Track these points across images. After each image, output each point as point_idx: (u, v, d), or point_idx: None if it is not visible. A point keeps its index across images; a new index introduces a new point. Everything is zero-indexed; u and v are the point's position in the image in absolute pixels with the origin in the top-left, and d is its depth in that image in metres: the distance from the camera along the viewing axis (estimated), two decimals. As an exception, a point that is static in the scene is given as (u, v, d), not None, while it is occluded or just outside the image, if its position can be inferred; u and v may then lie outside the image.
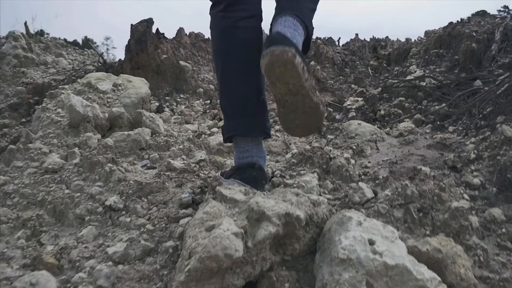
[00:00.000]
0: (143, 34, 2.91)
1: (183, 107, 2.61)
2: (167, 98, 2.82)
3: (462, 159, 1.60)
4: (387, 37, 3.20)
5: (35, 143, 1.69)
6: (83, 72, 3.15)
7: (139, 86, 2.25)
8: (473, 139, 1.73)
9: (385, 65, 2.88)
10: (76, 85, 2.23)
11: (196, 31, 3.44)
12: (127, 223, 1.12)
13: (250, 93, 1.23)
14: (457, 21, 2.65)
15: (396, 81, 2.43)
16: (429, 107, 2.17)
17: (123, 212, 1.19)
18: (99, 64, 3.26)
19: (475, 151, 1.60)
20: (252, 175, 1.19)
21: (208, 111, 2.45)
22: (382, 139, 1.96)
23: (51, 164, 1.48)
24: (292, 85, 1.04)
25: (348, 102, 2.38)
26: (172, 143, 1.79)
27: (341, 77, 2.84)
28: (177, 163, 1.60)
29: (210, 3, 1.29)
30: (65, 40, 5.48)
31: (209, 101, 2.83)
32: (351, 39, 3.23)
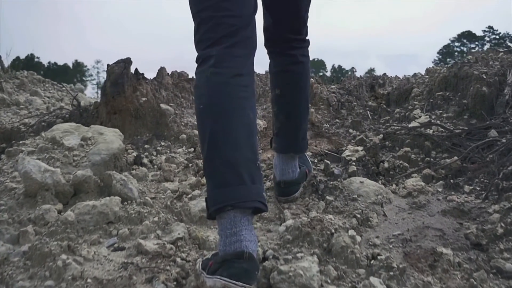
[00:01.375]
0: (119, 76, 2.70)
1: (163, 157, 2.38)
2: (146, 146, 2.60)
3: (487, 233, 1.38)
4: (384, 74, 3.03)
5: (-21, 223, 1.44)
6: (54, 118, 2.92)
7: (111, 140, 2.02)
8: (496, 207, 1.51)
9: (384, 106, 2.70)
10: (39, 141, 2.00)
11: (179, 69, 3.25)
12: None
13: (247, 157, 1.11)
14: (463, 60, 2.48)
15: (399, 127, 2.23)
16: (438, 160, 1.96)
17: None
18: (74, 107, 3.03)
19: (502, 223, 1.38)
20: (242, 268, 1.00)
21: (191, 164, 2.22)
22: (389, 200, 1.75)
23: (-9, 257, 1.23)
24: None
25: (347, 152, 2.17)
26: (146, 214, 1.55)
27: (337, 120, 2.64)
28: (150, 244, 1.36)
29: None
30: (43, 75, 5.22)
31: (192, 149, 2.61)
32: (346, 77, 3.05)
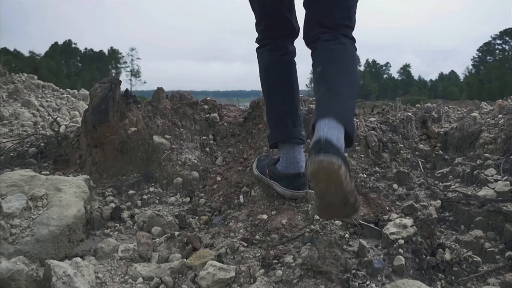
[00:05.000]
0: (103, 100, 2.24)
1: (148, 213, 1.88)
2: (130, 192, 2.12)
3: None
4: (439, 104, 2.44)
5: None
6: (27, 146, 2.47)
7: (67, 202, 1.55)
8: None
9: (440, 151, 2.12)
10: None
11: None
12: None
13: (290, 109, 1.82)
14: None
15: (465, 195, 1.66)
16: (527, 256, 1.38)
17: None
18: (52, 132, 2.58)
19: None
20: (300, 183, 1.84)
21: (178, 233, 1.72)
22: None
23: None
24: (333, 188, 1.25)
25: (391, 228, 1.63)
26: None
27: (377, 168, 2.08)
28: None
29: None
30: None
31: (188, 199, 2.11)
32: (390, 107, 2.48)
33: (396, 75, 77.37)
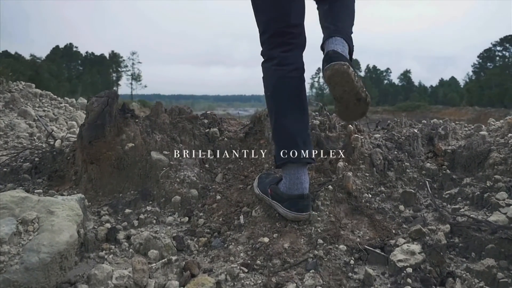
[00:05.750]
0: (99, 115, 2.17)
1: (145, 234, 1.81)
2: (127, 211, 2.05)
3: None
4: (446, 120, 2.38)
5: None
6: (21, 161, 2.41)
7: (59, 227, 1.48)
8: None
9: (448, 171, 2.05)
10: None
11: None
12: None
13: (301, 128, 1.78)
14: None
15: (475, 220, 1.59)
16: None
17: None
18: (48, 144, 2.51)
19: None
20: (304, 205, 1.79)
21: (175, 258, 1.65)
22: None
23: None
24: (347, 87, 1.53)
25: (399, 254, 1.57)
26: None
27: (382, 187, 2.01)
28: None
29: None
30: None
31: (187, 219, 2.04)
32: (395, 122, 2.41)
33: (396, 81, 77.55)
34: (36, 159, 2.40)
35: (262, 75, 1.85)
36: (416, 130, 2.33)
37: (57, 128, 3.55)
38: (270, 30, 1.78)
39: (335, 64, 1.51)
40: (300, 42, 1.82)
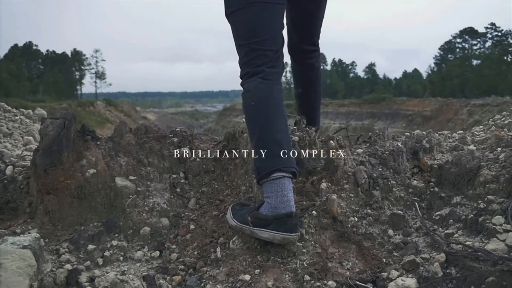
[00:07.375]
0: (55, 140, 1.94)
1: (110, 275, 1.61)
2: (90, 247, 1.85)
3: None
4: (429, 131, 2.27)
5: None
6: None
7: (9, 282, 1.29)
8: None
9: (436, 188, 1.94)
10: None
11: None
12: None
13: (286, 138, 1.77)
14: None
15: (471, 250, 1.48)
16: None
17: None
18: (-1, 172, 2.24)
19: None
20: (292, 224, 1.67)
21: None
22: None
23: None
24: None
25: (394, 291, 1.41)
26: None
27: (368, 209, 1.89)
28: None
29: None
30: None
31: (158, 253, 1.85)
32: (376, 135, 2.29)
33: (362, 74, 78.76)
34: (-15, 188, 2.14)
35: (242, 101, 1.86)
36: (400, 144, 2.20)
37: (11, 145, 3.27)
38: (254, 51, 1.81)
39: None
40: (280, 64, 1.88)
